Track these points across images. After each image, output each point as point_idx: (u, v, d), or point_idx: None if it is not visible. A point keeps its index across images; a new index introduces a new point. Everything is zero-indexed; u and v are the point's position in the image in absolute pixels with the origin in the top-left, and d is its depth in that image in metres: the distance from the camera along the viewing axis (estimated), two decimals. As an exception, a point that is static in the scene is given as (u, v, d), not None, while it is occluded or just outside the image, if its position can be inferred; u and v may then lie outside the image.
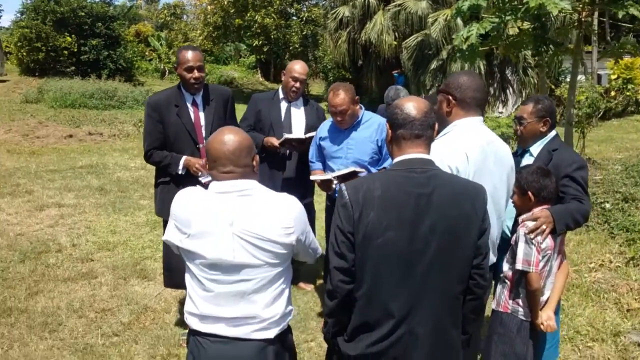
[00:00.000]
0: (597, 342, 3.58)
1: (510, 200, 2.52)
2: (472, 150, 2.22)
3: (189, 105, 3.43)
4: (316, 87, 27.76)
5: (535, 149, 2.76)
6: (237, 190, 1.87)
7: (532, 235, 2.40)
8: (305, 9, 25.25)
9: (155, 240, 5.33)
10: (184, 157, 3.36)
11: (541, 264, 2.42)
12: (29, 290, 4.25)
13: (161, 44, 27.87)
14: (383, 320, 1.79)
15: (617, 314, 3.94)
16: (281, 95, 4.15)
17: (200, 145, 3.40)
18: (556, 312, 2.62)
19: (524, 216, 2.50)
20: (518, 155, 2.82)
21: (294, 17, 25.12)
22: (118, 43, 21.32)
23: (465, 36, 5.68)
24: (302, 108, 4.18)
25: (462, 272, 1.83)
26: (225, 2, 22.87)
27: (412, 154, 1.84)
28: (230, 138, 1.90)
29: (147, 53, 27.63)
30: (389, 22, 17.55)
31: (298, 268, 4.16)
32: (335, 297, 1.84)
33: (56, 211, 6.38)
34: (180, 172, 3.36)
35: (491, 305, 2.62)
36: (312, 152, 3.88)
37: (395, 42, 17.59)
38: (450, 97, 2.35)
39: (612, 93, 15.90)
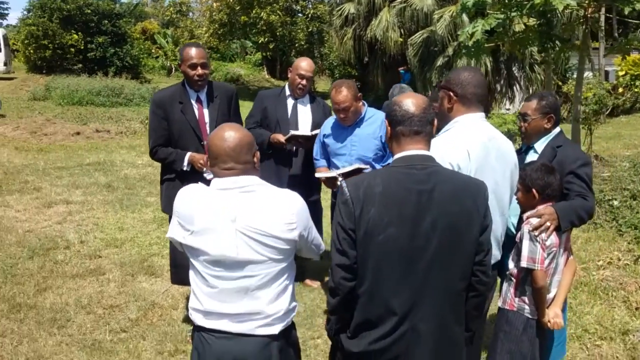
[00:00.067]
0: (606, 341, 3.55)
1: (515, 197, 2.52)
2: (474, 146, 2.21)
3: (193, 102, 3.44)
4: (322, 84, 27.75)
5: (540, 145, 2.75)
6: (239, 186, 1.88)
7: (536, 233, 2.38)
8: (310, 6, 25.20)
9: (162, 237, 5.35)
10: (188, 154, 3.38)
11: (546, 262, 2.41)
12: (37, 286, 4.29)
13: (167, 42, 27.95)
14: (385, 317, 1.80)
15: (625, 312, 3.90)
16: (287, 92, 4.15)
17: (205, 142, 3.40)
18: (563, 310, 2.59)
19: (528, 213, 2.49)
20: (522, 152, 2.82)
21: (300, 14, 25.08)
22: (124, 40, 21.42)
23: (471, 32, 5.67)
24: (309, 105, 4.18)
25: (464, 268, 1.83)
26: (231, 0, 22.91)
27: (412, 150, 1.84)
28: (230, 135, 1.90)
29: (153, 50, 27.71)
30: (395, 18, 17.52)
31: (304, 265, 4.16)
32: (337, 294, 1.84)
33: (64, 208, 6.42)
34: (185, 169, 3.38)
35: (497, 303, 2.62)
36: (317, 149, 3.89)
37: (401, 39, 17.55)
38: (452, 94, 2.34)
39: (620, 90, 15.76)
